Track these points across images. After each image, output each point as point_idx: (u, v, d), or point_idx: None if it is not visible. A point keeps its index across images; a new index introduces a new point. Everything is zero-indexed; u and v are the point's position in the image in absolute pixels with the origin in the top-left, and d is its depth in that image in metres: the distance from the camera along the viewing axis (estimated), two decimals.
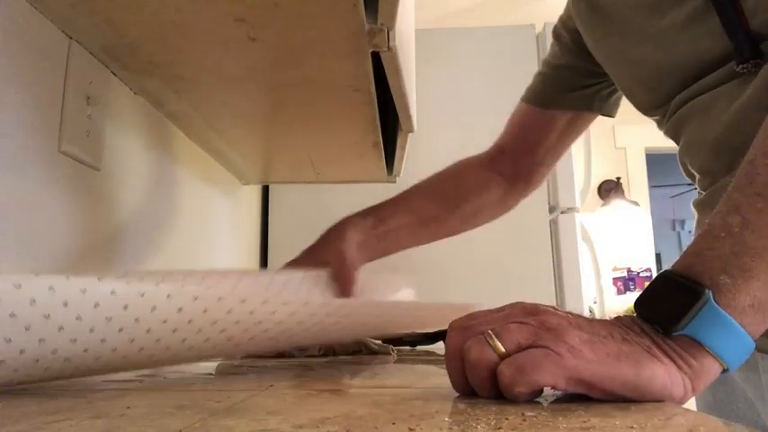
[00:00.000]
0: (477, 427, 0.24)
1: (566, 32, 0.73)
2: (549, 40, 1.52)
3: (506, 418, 0.26)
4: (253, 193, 1.33)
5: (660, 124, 0.61)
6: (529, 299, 0.38)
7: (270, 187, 1.41)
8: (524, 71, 1.44)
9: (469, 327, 0.35)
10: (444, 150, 1.40)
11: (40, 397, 0.35)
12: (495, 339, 0.33)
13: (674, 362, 0.33)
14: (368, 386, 0.43)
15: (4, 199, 0.50)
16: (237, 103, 0.76)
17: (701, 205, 0.56)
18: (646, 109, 0.61)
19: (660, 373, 0.32)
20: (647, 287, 0.37)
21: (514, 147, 0.81)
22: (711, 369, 0.33)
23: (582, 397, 0.32)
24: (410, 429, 0.24)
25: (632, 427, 0.24)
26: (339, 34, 0.55)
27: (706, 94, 0.52)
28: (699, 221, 0.58)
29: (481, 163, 0.82)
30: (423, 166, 1.39)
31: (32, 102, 0.54)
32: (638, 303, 0.36)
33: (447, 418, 0.27)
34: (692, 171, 0.57)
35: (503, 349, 0.32)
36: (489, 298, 0.49)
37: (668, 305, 0.34)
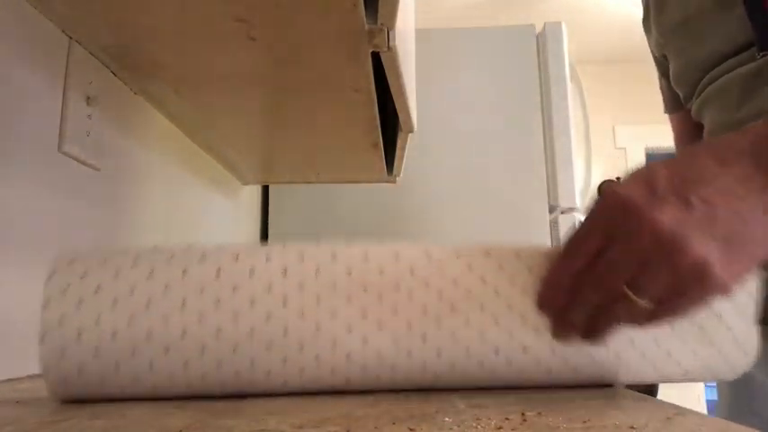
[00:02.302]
0: (477, 427, 0.24)
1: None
2: (550, 40, 1.52)
3: (506, 418, 0.26)
4: (253, 193, 1.33)
5: (693, 113, 0.62)
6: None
7: (270, 187, 1.41)
8: (524, 71, 1.45)
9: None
10: (444, 150, 1.41)
11: (41, 397, 0.35)
12: (636, 299, 0.31)
13: None
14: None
15: (5, 199, 0.50)
16: (237, 103, 0.76)
17: None
18: (686, 100, 0.62)
19: None
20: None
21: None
22: None
23: (582, 397, 0.32)
24: (410, 429, 0.24)
25: (632, 427, 0.24)
26: (339, 34, 0.54)
27: (724, 77, 0.53)
28: None
29: None
30: (423, 166, 1.40)
31: (32, 102, 0.54)
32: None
33: (447, 418, 0.27)
34: None
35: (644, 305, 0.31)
36: None
37: None
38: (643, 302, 0.31)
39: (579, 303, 0.32)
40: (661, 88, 0.72)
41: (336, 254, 0.34)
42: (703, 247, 0.29)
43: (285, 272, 0.33)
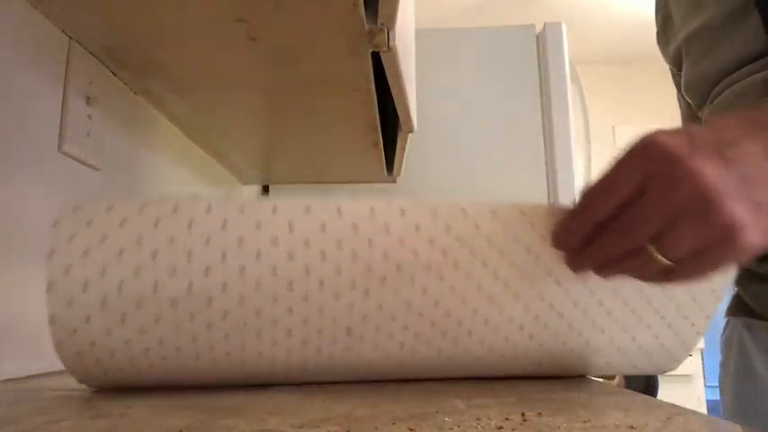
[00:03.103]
0: (477, 427, 0.24)
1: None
2: (550, 40, 1.52)
3: (506, 418, 0.26)
4: (253, 194, 1.33)
5: (704, 120, 0.61)
6: None
7: (270, 187, 1.41)
8: (524, 71, 1.45)
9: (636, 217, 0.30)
10: (444, 150, 1.41)
11: (41, 397, 0.35)
12: (659, 257, 0.30)
13: None
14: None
15: (4, 199, 0.50)
16: (237, 103, 0.76)
17: None
18: (696, 108, 0.62)
19: None
20: None
21: None
22: None
23: (582, 396, 0.32)
24: (410, 429, 0.24)
25: (632, 427, 0.24)
26: (339, 34, 0.54)
27: (740, 83, 0.53)
28: None
29: None
30: (423, 166, 1.40)
31: (32, 102, 0.54)
32: None
33: (447, 418, 0.27)
34: None
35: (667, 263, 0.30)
36: None
37: None
38: (664, 260, 0.30)
39: (596, 246, 0.32)
40: (679, 102, 0.71)
41: (342, 209, 0.35)
42: (739, 209, 0.28)
43: (291, 226, 0.34)
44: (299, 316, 0.33)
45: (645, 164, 0.30)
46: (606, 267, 0.33)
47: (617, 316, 0.37)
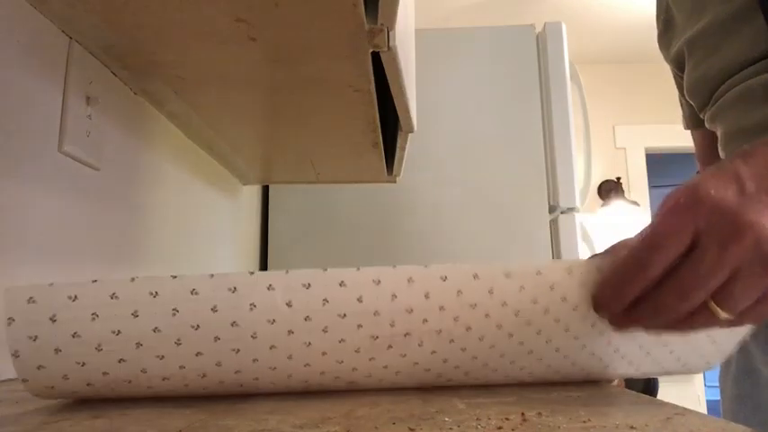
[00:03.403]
0: (477, 427, 0.24)
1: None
2: (550, 40, 1.52)
3: (506, 418, 0.26)
4: (253, 194, 1.33)
5: (706, 121, 0.61)
6: None
7: (270, 187, 1.41)
8: (524, 71, 1.45)
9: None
10: (444, 150, 1.41)
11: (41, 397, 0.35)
12: (720, 312, 0.29)
13: None
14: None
15: (4, 199, 0.50)
16: (237, 103, 0.76)
17: None
18: (699, 109, 0.61)
19: None
20: None
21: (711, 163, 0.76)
22: None
23: (582, 396, 0.32)
24: (410, 429, 0.24)
25: (632, 427, 0.24)
26: (339, 34, 0.54)
27: (743, 84, 0.53)
28: None
29: None
30: (423, 166, 1.40)
31: (32, 102, 0.54)
32: None
33: (447, 418, 0.27)
34: None
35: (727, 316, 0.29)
36: None
37: None
38: (726, 315, 0.29)
39: (650, 308, 0.30)
40: (681, 105, 0.71)
41: (414, 278, 0.32)
42: None
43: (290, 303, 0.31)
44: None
45: (696, 220, 0.29)
46: (659, 326, 0.31)
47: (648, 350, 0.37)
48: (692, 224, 0.29)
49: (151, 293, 0.29)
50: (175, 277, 0.30)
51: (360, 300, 0.31)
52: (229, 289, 0.30)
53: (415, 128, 0.83)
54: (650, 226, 0.30)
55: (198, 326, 0.29)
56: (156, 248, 0.81)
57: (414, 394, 0.34)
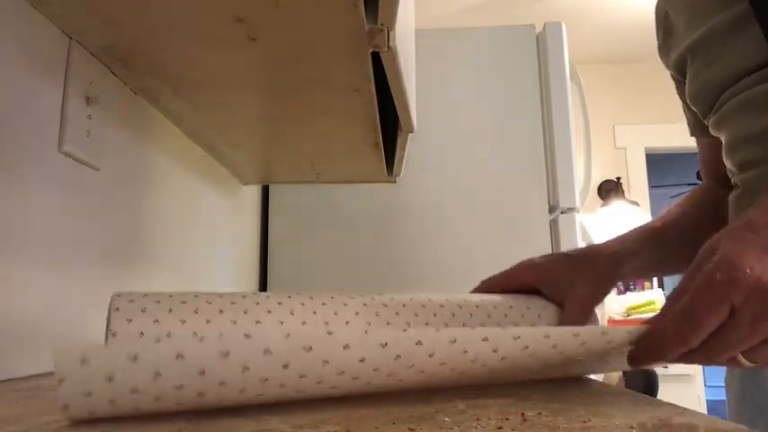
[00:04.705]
0: (477, 427, 0.24)
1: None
2: (550, 40, 1.52)
3: (506, 418, 0.26)
4: (253, 193, 1.33)
5: (710, 127, 0.61)
6: None
7: (270, 187, 1.41)
8: (524, 71, 1.45)
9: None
10: (444, 150, 1.41)
11: (41, 397, 0.35)
12: (749, 363, 0.33)
13: None
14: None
15: (4, 199, 0.50)
16: (237, 102, 0.76)
17: (743, 196, 0.57)
18: (702, 116, 0.61)
19: None
20: None
21: (715, 171, 0.71)
22: None
23: (582, 397, 0.32)
24: (410, 429, 0.24)
25: (632, 427, 0.24)
26: (339, 34, 0.54)
27: (747, 92, 0.53)
28: (733, 215, 0.58)
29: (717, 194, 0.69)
30: (423, 166, 1.40)
31: (32, 102, 0.54)
32: None
33: (447, 418, 0.27)
34: (732, 168, 0.57)
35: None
36: None
37: None
38: (750, 364, 0.32)
39: (681, 360, 0.34)
40: (685, 112, 0.70)
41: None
42: None
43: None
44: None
45: (733, 298, 0.31)
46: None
47: None
48: (728, 302, 0.31)
49: (222, 353, 0.27)
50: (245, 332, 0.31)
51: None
52: (304, 348, 0.29)
53: (415, 128, 0.82)
54: (689, 299, 0.32)
55: (267, 379, 0.29)
56: (156, 248, 0.81)
57: (414, 394, 0.34)
